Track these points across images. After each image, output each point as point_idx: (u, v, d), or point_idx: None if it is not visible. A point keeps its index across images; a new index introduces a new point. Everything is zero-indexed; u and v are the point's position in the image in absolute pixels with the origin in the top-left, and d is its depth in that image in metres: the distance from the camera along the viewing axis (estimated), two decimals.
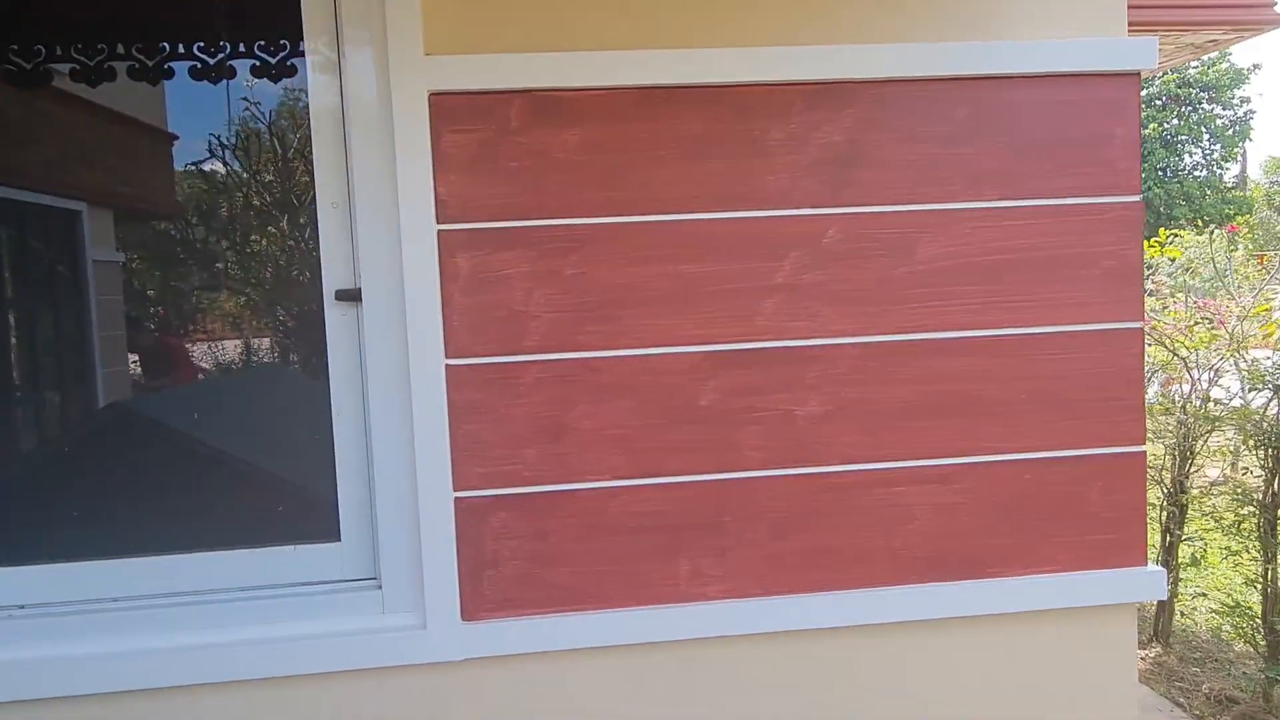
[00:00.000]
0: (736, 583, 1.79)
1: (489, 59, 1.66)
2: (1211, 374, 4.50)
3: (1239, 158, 30.05)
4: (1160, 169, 29.72)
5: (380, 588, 1.74)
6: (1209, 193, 29.67)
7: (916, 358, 1.81)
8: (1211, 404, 4.15)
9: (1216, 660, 4.54)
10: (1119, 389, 1.85)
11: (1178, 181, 29.97)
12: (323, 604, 1.74)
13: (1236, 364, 4.15)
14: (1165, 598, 1.85)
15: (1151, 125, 29.55)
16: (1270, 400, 3.81)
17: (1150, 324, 4.75)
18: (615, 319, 1.73)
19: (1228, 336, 4.42)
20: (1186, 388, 4.60)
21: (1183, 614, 4.94)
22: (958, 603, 1.83)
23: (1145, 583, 1.87)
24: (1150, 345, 5.03)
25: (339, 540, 1.76)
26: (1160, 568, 1.89)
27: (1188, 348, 4.63)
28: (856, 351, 1.79)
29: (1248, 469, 3.95)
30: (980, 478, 1.83)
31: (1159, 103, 30.08)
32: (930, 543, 1.83)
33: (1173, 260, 5.40)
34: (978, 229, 1.80)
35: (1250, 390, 4.01)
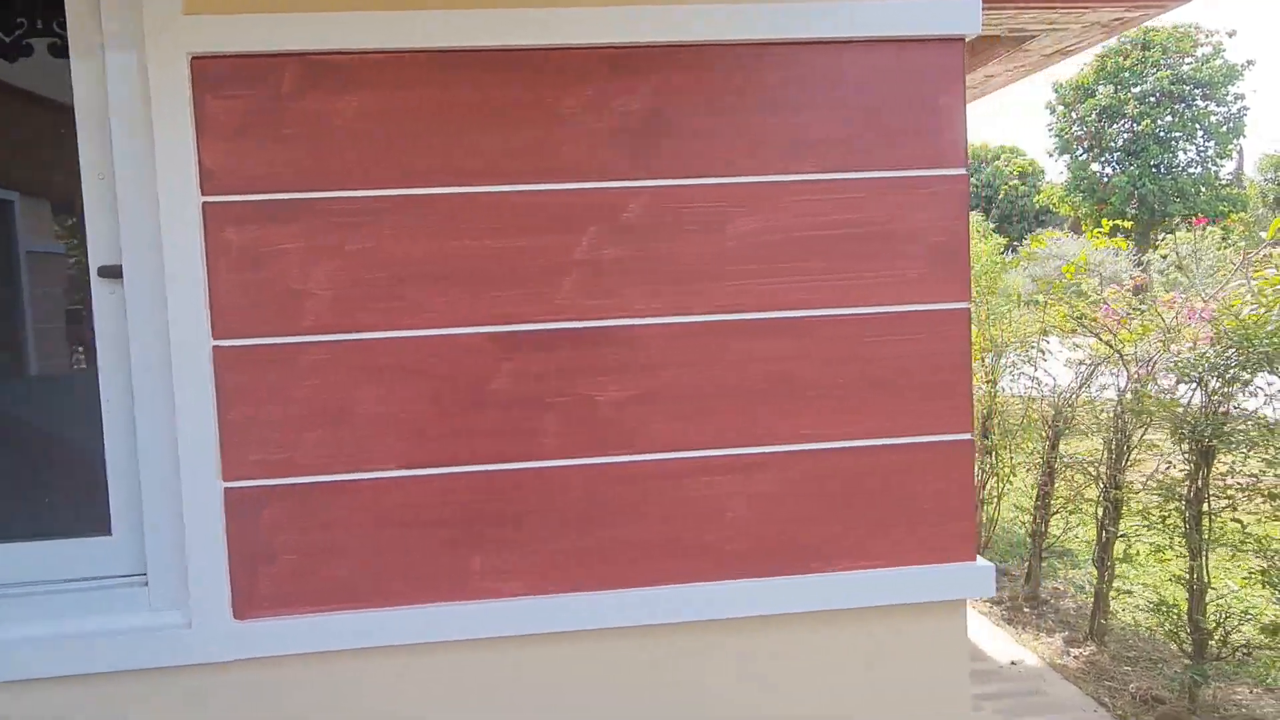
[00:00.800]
0: (535, 579, 1.68)
1: (257, 19, 1.56)
2: (1149, 367, 4.39)
3: (1234, 155, 29.94)
4: (1154, 165, 29.62)
5: (147, 584, 1.63)
6: (1203, 190, 29.57)
7: (732, 339, 1.70)
8: (1146, 399, 4.03)
9: (1150, 659, 4.44)
10: (945, 373, 1.75)
11: (1172, 178, 29.86)
12: (96, 600, 1.63)
13: (1169, 358, 4.03)
14: (993, 594, 1.72)
15: (1145, 122, 29.45)
16: (1193, 392, 3.70)
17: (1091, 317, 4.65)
18: (402, 297, 1.62)
19: (1163, 329, 4.31)
20: (1123, 381, 4.49)
21: (1118, 611, 4.84)
22: (779, 599, 1.72)
23: (975, 578, 1.76)
24: (1088, 338, 4.92)
25: (110, 534, 1.65)
26: (989, 564, 1.78)
27: (1123, 341, 4.52)
28: (666, 333, 1.68)
29: (1170, 463, 3.84)
30: (802, 466, 1.73)
31: (1153, 99, 29.99)
32: (749, 536, 1.72)
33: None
34: (796, 203, 1.69)
35: (1180, 383, 3.90)
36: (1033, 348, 5.31)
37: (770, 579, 1.72)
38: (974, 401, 1.73)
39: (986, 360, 5.62)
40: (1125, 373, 4.56)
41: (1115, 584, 4.78)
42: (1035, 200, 33.76)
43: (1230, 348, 3.40)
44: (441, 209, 1.62)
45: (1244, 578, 3.78)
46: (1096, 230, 4.89)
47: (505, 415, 1.65)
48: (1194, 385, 3.65)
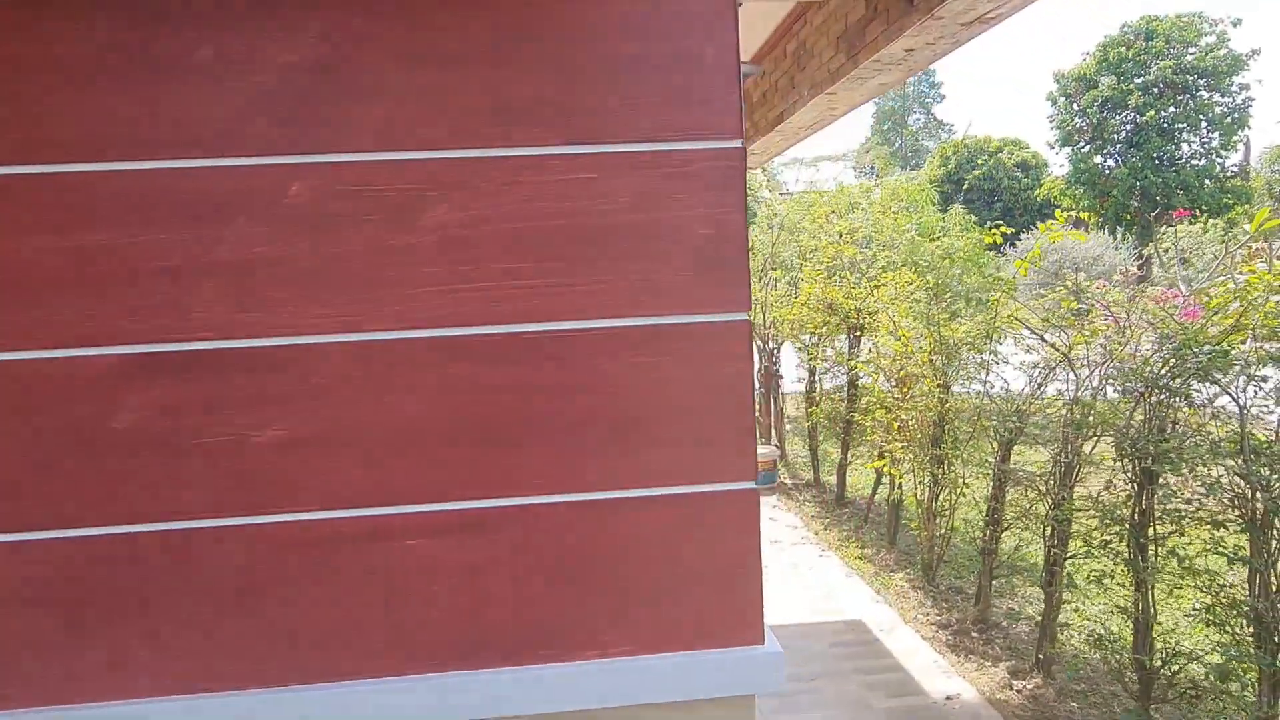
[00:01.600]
0: (166, 676, 1.29)
1: None
2: (1096, 374, 3.98)
3: (1240, 147, 29.38)
4: (1157, 157, 29.08)
5: None
6: (1207, 182, 29.03)
7: (431, 363, 1.31)
8: (1086, 408, 3.62)
9: (1100, 693, 4.04)
10: (719, 404, 1.35)
11: (1175, 170, 29.33)
12: None
13: (1116, 365, 3.62)
14: (783, 688, 1.33)
15: (1148, 113, 28.90)
16: (1136, 405, 3.28)
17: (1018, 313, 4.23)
18: None
19: (1115, 331, 3.89)
20: (1072, 389, 4.08)
21: (1068, 639, 4.43)
22: (497, 698, 1.33)
23: (762, 669, 1.37)
24: (1034, 340, 4.51)
25: None
26: (778, 650, 1.38)
27: (1076, 343, 4.11)
28: (342, 354, 1.29)
29: (1112, 482, 3.43)
30: (528, 526, 1.34)
31: (1156, 90, 29.44)
32: (456, 617, 1.33)
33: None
34: (513, 186, 1.30)
35: (1127, 393, 3.49)
36: (985, 350, 4.90)
37: (483, 673, 1.33)
38: (756, 440, 1.34)
39: (937, 363, 5.21)
40: (1076, 379, 4.15)
41: (1063, 610, 4.37)
42: (1037, 193, 33.26)
43: (1170, 356, 2.99)
44: (15, 195, 1.23)
45: (1187, 614, 3.38)
46: (1050, 223, 4.47)
47: (128, 463, 1.27)
48: (1136, 396, 3.24)
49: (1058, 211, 4.59)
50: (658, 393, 1.34)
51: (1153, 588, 3.21)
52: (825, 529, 7.06)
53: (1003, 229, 5.36)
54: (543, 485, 1.33)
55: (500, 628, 1.34)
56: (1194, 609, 3.02)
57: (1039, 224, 4.45)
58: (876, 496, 7.07)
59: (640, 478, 1.34)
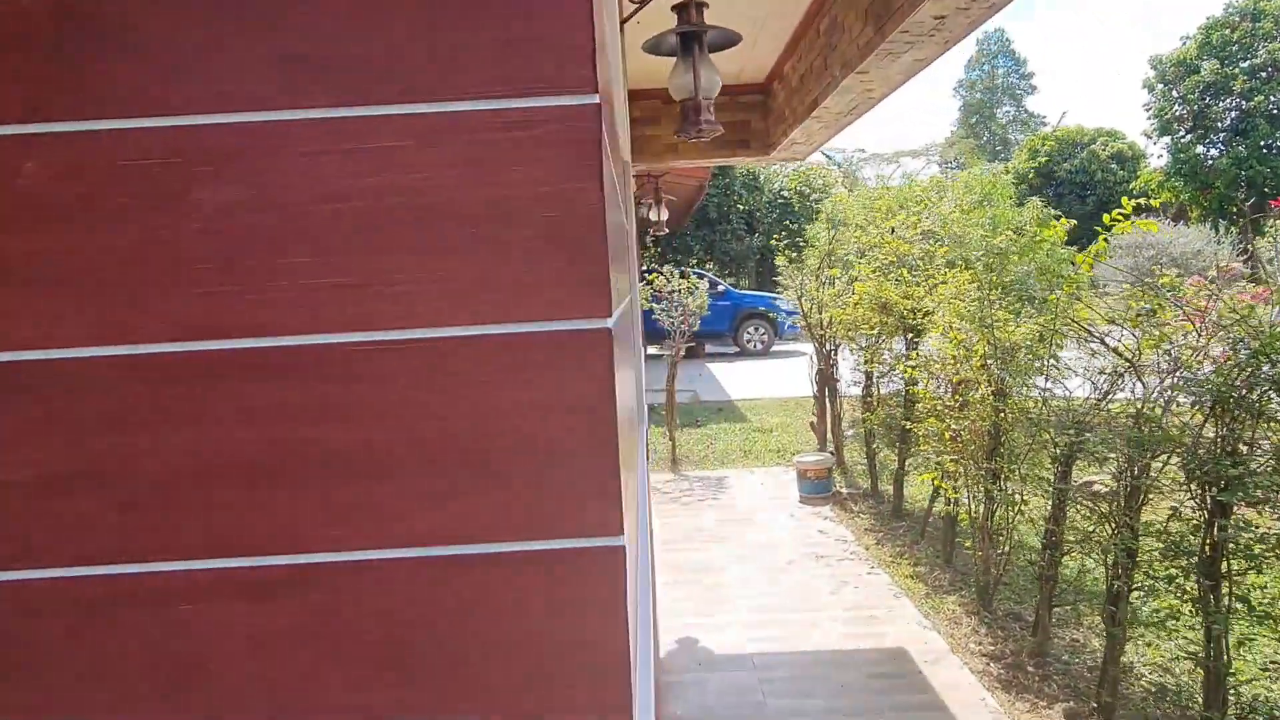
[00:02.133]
0: None
1: None
2: (1170, 380, 3.50)
3: None
4: (1264, 146, 27.28)
5: None
6: None
7: (215, 381, 1.04)
8: (1149, 424, 3.17)
9: None
10: (573, 438, 1.05)
11: None
12: None
13: (1187, 374, 3.15)
14: None
15: (1255, 99, 27.14)
16: (1205, 420, 2.82)
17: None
18: None
19: (1189, 333, 3.41)
20: (1138, 397, 3.61)
21: (1136, 678, 3.94)
22: None
23: None
24: (1097, 344, 4.02)
25: None
26: None
27: (1146, 347, 3.63)
28: (106, 371, 1.04)
29: (1176, 508, 2.97)
30: (336, 590, 1.06)
31: (1263, 74, 27.65)
32: (251, 700, 1.06)
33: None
34: (308, 158, 1.02)
35: (1197, 404, 3.02)
36: (1043, 354, 4.43)
37: None
38: (628, 490, 1.04)
39: (992, 368, 4.75)
40: (1144, 387, 3.68)
41: (1130, 648, 3.89)
42: (1134, 186, 31.68)
43: (1245, 363, 2.53)
44: None
45: (1264, 667, 2.90)
46: (1117, 211, 3.99)
47: None
48: (1207, 410, 2.78)
49: (1124, 199, 4.09)
50: (494, 423, 1.04)
51: (1226, 633, 2.76)
52: (878, 543, 6.62)
53: (1064, 221, 4.85)
54: (356, 538, 1.05)
55: (297, 716, 1.06)
56: (1273, 662, 2.57)
57: (1104, 215, 3.98)
58: (934, 509, 6.59)
59: (478, 529, 1.05)
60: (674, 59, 2.29)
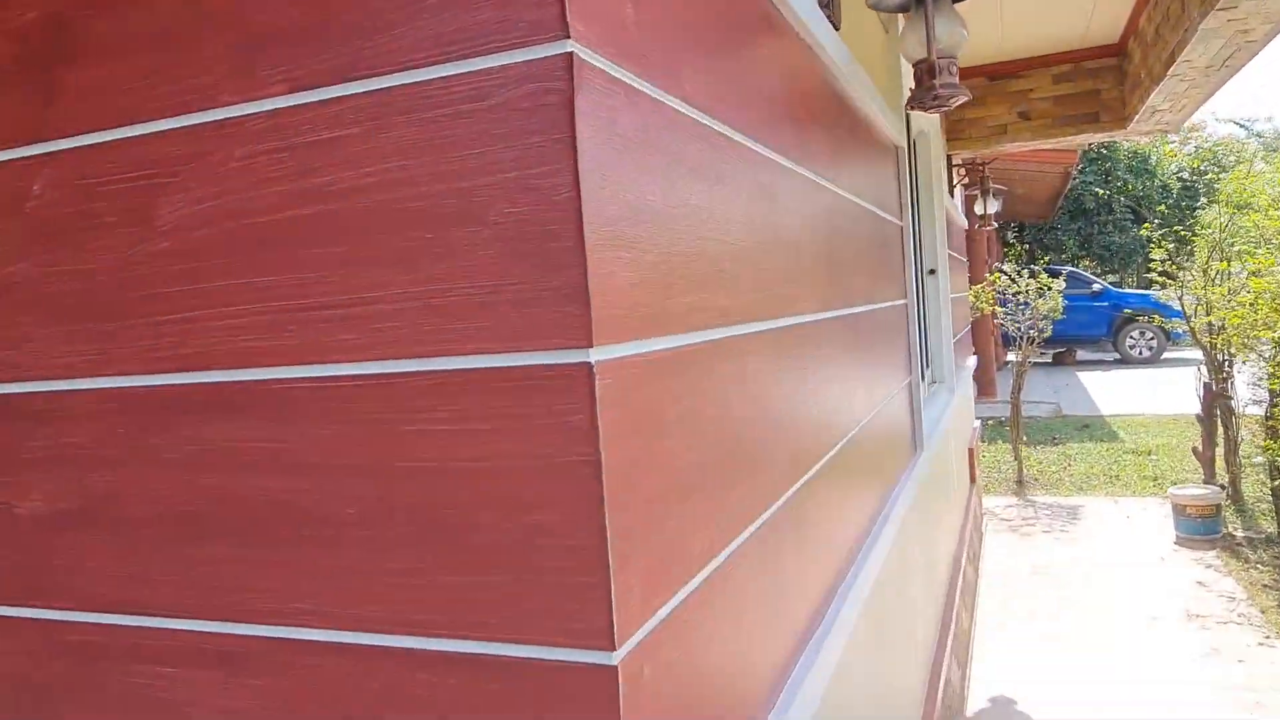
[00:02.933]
0: None
1: None
2: None
3: None
4: None
5: None
6: None
7: (177, 420, 0.92)
8: None
9: None
10: (546, 500, 0.77)
11: None
12: None
13: None
14: None
15: None
16: None
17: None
18: None
19: None
20: None
21: None
22: None
23: None
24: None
25: None
26: None
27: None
28: (95, 404, 0.97)
29: None
30: (292, 670, 0.89)
31: None
32: None
33: None
34: (255, 159, 0.86)
35: None
36: None
37: None
38: (614, 588, 0.75)
39: None
40: None
41: None
42: None
43: None
44: None
45: None
46: None
47: None
48: None
49: None
50: (448, 483, 0.80)
51: None
52: (1278, 606, 5.27)
53: None
54: (313, 613, 0.87)
55: None
56: None
57: None
58: None
59: (449, 616, 0.82)
60: (908, 17, 1.87)
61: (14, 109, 0.97)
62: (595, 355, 0.75)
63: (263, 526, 0.88)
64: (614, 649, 0.75)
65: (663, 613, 0.85)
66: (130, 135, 0.91)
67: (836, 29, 1.90)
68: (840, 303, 1.73)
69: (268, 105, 0.85)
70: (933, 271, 4.58)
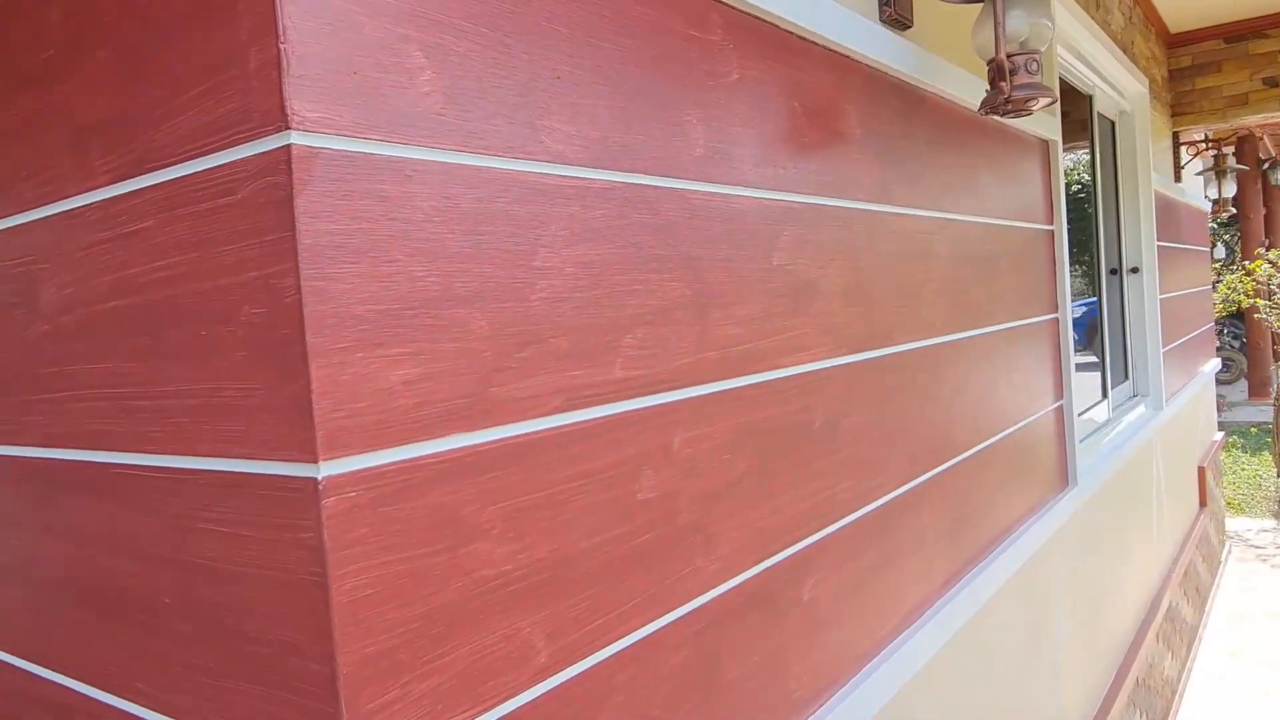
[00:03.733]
0: None
1: None
2: None
3: None
4: None
5: None
6: None
7: (60, 494, 0.97)
8: None
9: None
10: (293, 618, 0.73)
11: None
12: None
13: None
14: None
15: None
16: None
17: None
18: None
19: None
20: None
21: None
22: None
23: None
24: None
25: None
26: None
27: None
28: (17, 473, 1.04)
29: None
30: None
31: None
32: None
33: None
34: (94, 248, 0.88)
35: None
36: None
37: None
38: None
39: None
40: None
41: None
42: None
43: None
44: None
45: None
46: None
47: None
48: None
49: None
50: (231, 586, 0.78)
51: None
52: None
53: None
54: (140, 693, 0.89)
55: None
56: None
57: None
58: None
59: None
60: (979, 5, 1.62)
61: None
62: (325, 470, 0.69)
63: (114, 602, 0.91)
64: None
65: None
66: (15, 224, 0.96)
67: (906, 28, 1.68)
68: (880, 342, 1.54)
69: (98, 196, 0.86)
70: (1135, 270, 4.00)
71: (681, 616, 1.08)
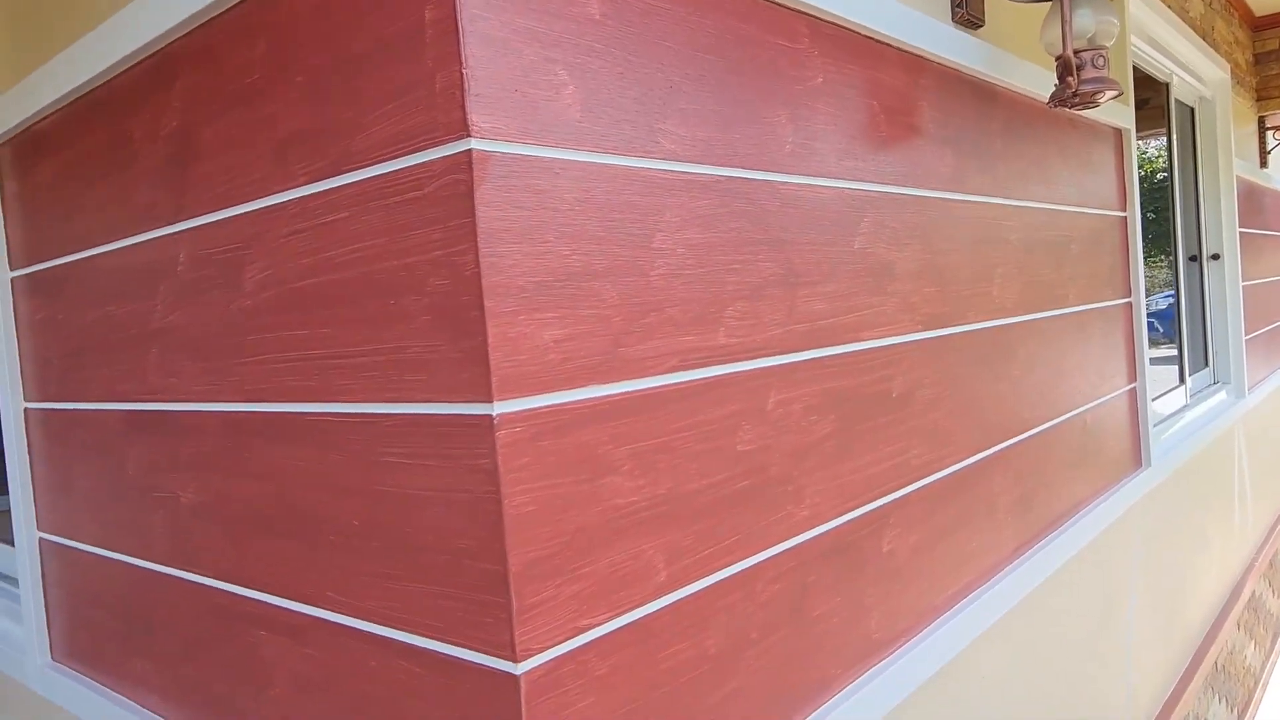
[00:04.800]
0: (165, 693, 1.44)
1: None
2: None
3: None
4: None
5: None
6: None
7: (258, 441, 1.18)
8: None
9: None
10: (467, 530, 0.91)
11: None
12: None
13: None
14: None
15: None
16: None
17: None
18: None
19: None
20: None
21: None
22: None
23: None
24: None
25: None
26: None
27: None
28: (218, 425, 1.26)
29: None
30: (335, 646, 1.11)
31: None
32: None
33: None
34: (292, 237, 1.08)
35: None
36: None
37: None
38: None
39: None
40: None
41: None
42: None
43: None
44: (74, 277, 1.49)
45: None
46: None
47: (129, 506, 1.45)
48: None
49: None
50: (412, 508, 0.97)
51: None
52: None
53: None
54: (339, 601, 1.08)
55: None
56: None
57: None
58: None
59: (416, 617, 0.99)
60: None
61: (168, 196, 1.27)
62: (499, 409, 0.87)
63: (308, 528, 1.10)
64: (516, 661, 0.87)
65: (596, 633, 0.95)
66: (222, 217, 1.17)
67: (977, 27, 1.80)
68: (953, 321, 1.67)
69: (295, 194, 1.06)
70: (1215, 257, 3.99)
71: (775, 555, 1.23)
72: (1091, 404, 2.32)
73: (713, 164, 1.15)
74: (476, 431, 0.88)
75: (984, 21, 1.81)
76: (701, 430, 1.11)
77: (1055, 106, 1.70)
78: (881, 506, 1.46)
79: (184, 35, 1.21)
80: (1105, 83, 1.63)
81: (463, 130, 0.86)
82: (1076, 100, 1.65)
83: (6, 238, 1.72)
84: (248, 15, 1.10)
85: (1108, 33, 1.65)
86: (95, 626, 1.59)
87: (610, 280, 0.99)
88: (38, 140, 1.58)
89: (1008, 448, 1.87)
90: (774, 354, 1.23)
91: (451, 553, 0.92)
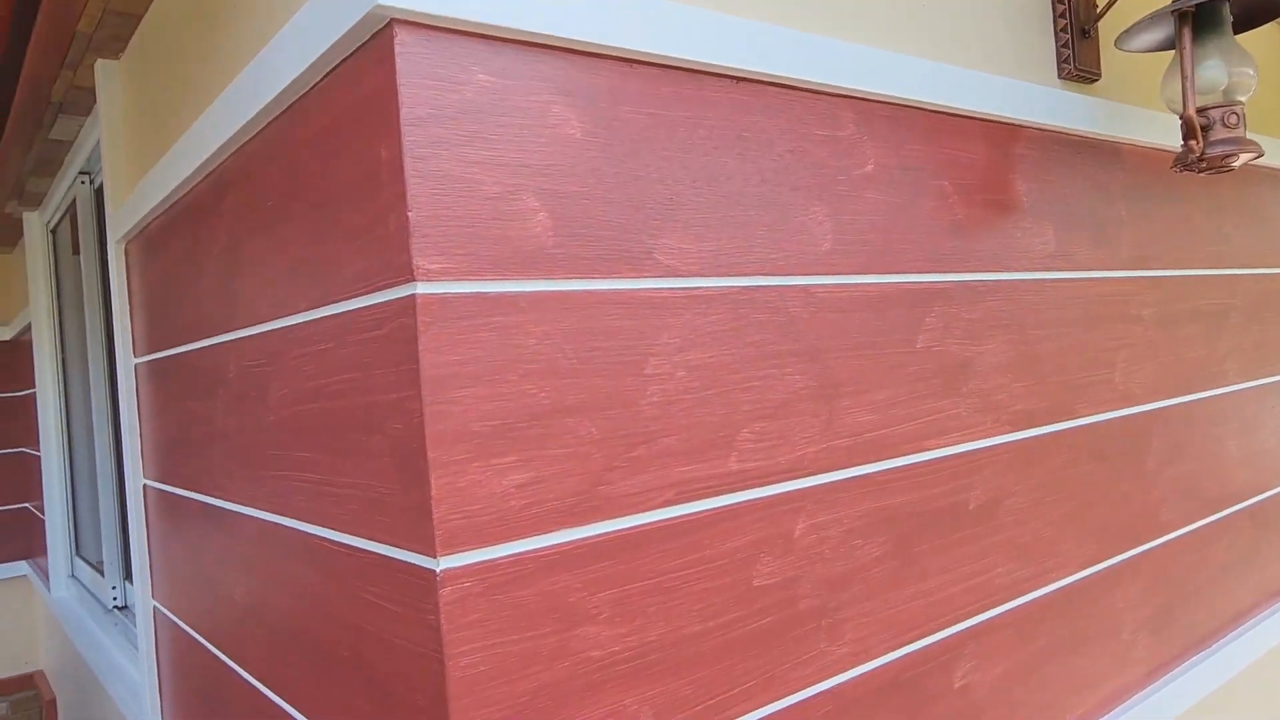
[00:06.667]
0: None
1: None
2: None
3: None
4: None
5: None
6: None
7: (281, 552, 1.20)
8: None
9: None
10: (419, 685, 0.87)
11: None
12: None
13: None
14: None
15: None
16: None
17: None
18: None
19: None
20: None
21: None
22: None
23: None
24: None
25: None
26: None
27: None
28: (255, 531, 1.30)
29: None
30: None
31: None
32: None
33: None
34: (303, 356, 1.10)
35: None
36: None
37: None
38: None
39: None
40: None
41: None
42: None
43: None
44: (165, 370, 1.59)
45: None
46: None
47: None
48: None
49: None
50: (378, 649, 0.94)
51: None
52: None
53: None
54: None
55: None
56: None
57: None
58: None
59: None
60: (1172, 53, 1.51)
61: (222, 306, 1.33)
62: (443, 564, 0.83)
63: (317, 650, 1.10)
64: None
65: None
66: (256, 332, 1.20)
67: (1092, 81, 1.61)
68: (1054, 417, 1.48)
69: (300, 319, 1.07)
70: None
71: (807, 699, 1.11)
72: (1261, 496, 2.00)
73: (722, 275, 1.06)
74: (424, 585, 0.84)
75: (1100, 74, 1.61)
76: (706, 566, 1.02)
77: (1180, 171, 1.48)
78: (951, 636, 1.30)
79: (231, 155, 1.26)
80: (1240, 144, 1.40)
81: (407, 274, 0.83)
82: (1203, 165, 1.43)
83: (133, 326, 1.87)
84: (269, 143, 1.13)
85: (1244, 85, 1.42)
86: (184, 697, 1.68)
87: (588, 415, 0.93)
88: (150, 240, 1.71)
89: (1137, 555, 1.63)
90: (803, 475, 1.12)
91: (412, 706, 0.89)
